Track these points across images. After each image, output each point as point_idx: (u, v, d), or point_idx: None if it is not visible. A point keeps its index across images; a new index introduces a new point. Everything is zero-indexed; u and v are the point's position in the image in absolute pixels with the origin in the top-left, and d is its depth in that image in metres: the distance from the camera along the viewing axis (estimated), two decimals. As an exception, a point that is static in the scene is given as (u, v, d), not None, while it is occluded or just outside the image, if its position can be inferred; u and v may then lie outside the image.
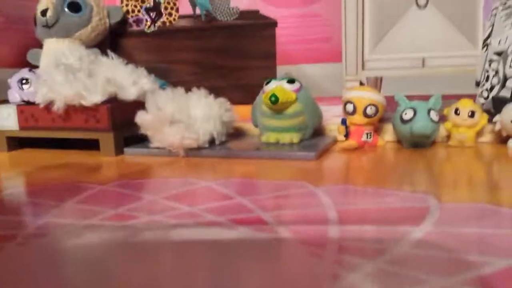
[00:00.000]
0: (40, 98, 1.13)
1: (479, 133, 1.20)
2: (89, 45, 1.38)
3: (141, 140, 1.20)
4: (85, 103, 1.08)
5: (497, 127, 1.16)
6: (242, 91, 1.41)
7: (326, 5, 1.34)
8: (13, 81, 1.26)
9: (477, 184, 0.79)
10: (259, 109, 1.20)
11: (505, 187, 0.77)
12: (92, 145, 1.20)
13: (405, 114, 1.13)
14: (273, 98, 1.10)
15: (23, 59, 1.45)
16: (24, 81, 1.25)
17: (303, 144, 1.17)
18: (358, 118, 1.17)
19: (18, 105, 1.25)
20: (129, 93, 1.14)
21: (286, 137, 1.18)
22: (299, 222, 0.61)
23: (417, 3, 1.27)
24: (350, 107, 1.17)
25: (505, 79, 1.22)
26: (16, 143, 1.31)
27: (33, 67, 1.35)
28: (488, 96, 1.24)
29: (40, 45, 1.42)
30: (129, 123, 1.17)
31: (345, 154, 1.13)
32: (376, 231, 0.57)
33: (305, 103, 1.17)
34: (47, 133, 1.21)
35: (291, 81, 1.17)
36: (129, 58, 1.40)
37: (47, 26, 1.34)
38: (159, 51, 1.48)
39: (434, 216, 0.61)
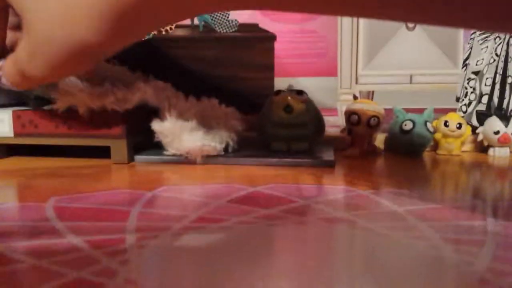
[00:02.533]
0: (59, 105, 1.07)
1: (463, 143, 1.33)
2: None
3: (148, 146, 1.18)
4: (119, 108, 1.04)
5: (480, 137, 1.30)
6: (239, 101, 1.44)
7: (322, 23, 1.43)
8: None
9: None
10: (268, 118, 1.24)
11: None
12: (92, 153, 1.16)
13: (405, 125, 1.23)
14: (288, 108, 1.14)
15: None
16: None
17: (312, 151, 1.22)
18: (362, 128, 1.25)
19: (14, 110, 1.17)
20: (151, 100, 1.12)
21: (295, 146, 1.22)
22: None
23: (406, 25, 1.40)
24: (354, 118, 1.25)
25: (481, 95, 1.37)
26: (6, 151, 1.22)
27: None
28: (466, 111, 1.39)
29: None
30: (139, 129, 1.15)
31: (350, 160, 1.20)
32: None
33: (312, 113, 1.23)
34: (50, 140, 1.15)
35: (299, 92, 1.22)
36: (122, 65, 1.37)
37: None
38: (153, 59, 1.47)
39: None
